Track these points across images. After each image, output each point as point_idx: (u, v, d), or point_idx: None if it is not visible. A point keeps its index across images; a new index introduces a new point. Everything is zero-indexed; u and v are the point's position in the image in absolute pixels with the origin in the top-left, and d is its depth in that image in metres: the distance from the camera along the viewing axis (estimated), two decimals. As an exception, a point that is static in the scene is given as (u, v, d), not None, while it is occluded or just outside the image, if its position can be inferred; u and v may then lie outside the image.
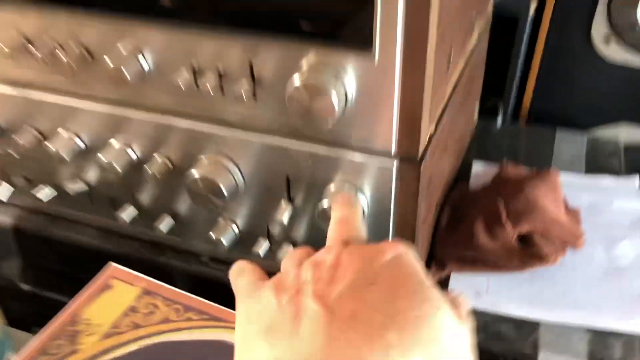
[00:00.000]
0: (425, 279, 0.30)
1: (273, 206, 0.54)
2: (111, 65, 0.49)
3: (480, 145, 0.80)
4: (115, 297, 0.45)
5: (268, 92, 0.48)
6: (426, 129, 0.46)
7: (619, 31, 0.76)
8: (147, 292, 0.46)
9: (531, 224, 0.59)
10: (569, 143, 0.80)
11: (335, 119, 0.44)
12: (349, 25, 0.42)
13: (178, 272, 0.63)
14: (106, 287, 0.47)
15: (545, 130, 0.83)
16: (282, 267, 0.34)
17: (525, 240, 0.60)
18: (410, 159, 0.47)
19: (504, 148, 0.80)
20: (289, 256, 0.35)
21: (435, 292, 0.29)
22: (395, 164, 0.47)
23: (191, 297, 0.45)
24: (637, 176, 0.72)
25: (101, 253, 0.66)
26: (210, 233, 0.56)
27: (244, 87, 0.47)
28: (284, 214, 0.52)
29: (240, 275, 0.35)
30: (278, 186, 0.53)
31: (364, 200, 0.50)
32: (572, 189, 0.68)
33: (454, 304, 0.31)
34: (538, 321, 0.55)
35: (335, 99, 0.43)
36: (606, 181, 0.72)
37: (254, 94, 0.48)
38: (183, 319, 0.42)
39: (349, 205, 0.38)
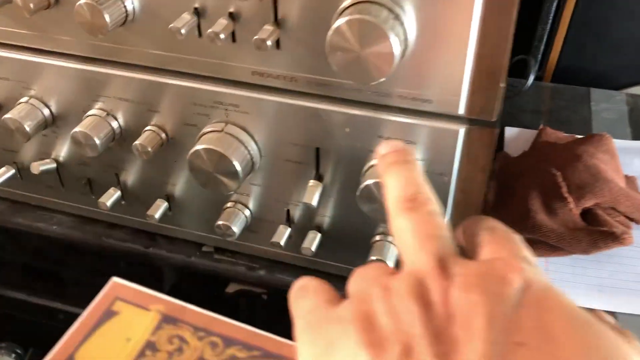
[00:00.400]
0: (581, 311, 0.21)
1: (297, 185, 0.43)
2: (84, 8, 0.37)
3: (507, 107, 0.70)
4: (123, 328, 0.32)
5: (296, 37, 0.37)
6: (501, 85, 0.36)
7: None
8: (168, 319, 0.33)
9: (597, 197, 0.50)
10: (607, 103, 0.71)
11: (393, 69, 0.33)
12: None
13: (175, 267, 0.52)
14: (109, 314, 0.33)
15: (578, 89, 0.74)
16: (355, 289, 0.24)
17: (585, 217, 0.51)
18: (482, 122, 0.36)
19: (535, 110, 0.71)
20: (361, 276, 0.25)
21: (610, 334, 0.21)
22: (463, 128, 0.37)
23: (230, 324, 0.33)
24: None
25: (77, 246, 0.54)
26: (219, 221, 0.45)
27: (266, 33, 0.36)
28: (314, 195, 0.42)
29: (303, 295, 0.25)
30: (304, 160, 0.42)
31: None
32: (622, 155, 0.59)
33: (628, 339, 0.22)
34: (613, 312, 0.47)
35: (394, 40, 0.32)
36: (659, 145, 0.64)
37: (278, 41, 0.37)
38: (225, 357, 0.31)
39: (409, 170, 0.27)
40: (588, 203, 0.50)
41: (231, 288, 0.53)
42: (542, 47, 0.74)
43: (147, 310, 0.33)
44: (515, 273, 0.22)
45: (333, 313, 0.23)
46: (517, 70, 0.75)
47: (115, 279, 0.34)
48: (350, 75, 0.34)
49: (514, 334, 0.20)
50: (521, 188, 0.52)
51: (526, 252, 0.24)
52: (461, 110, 0.36)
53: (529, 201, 0.50)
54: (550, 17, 0.73)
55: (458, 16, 0.33)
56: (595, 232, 0.48)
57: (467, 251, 0.26)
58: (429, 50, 0.35)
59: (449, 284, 0.22)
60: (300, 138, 0.41)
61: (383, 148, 0.29)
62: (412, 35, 0.34)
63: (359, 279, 0.25)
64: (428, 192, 0.26)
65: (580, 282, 0.49)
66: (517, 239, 0.25)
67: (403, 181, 0.26)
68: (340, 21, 0.32)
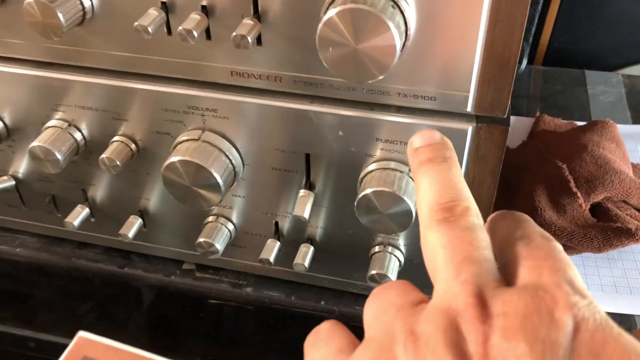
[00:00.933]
0: None
1: (285, 195, 0.39)
2: (34, 6, 0.32)
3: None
4: None
5: (280, 32, 0.32)
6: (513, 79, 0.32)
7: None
8: None
9: (608, 190, 0.46)
10: (604, 86, 0.68)
11: (393, 64, 0.29)
12: None
13: (150, 286, 0.47)
14: None
15: (572, 72, 0.70)
16: (374, 326, 0.20)
17: (594, 212, 0.48)
18: (492, 119, 0.32)
19: (529, 96, 0.67)
20: (380, 304, 0.21)
21: None
22: (471, 126, 0.33)
23: None
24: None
25: (45, 269, 0.50)
26: (200, 238, 0.41)
27: (245, 28, 0.31)
28: (305, 207, 0.37)
29: (314, 344, 0.21)
30: (293, 168, 0.38)
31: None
32: (625, 141, 0.56)
33: None
34: (632, 315, 0.43)
35: (395, 31, 0.28)
36: (661, 129, 0.60)
37: (259, 38, 0.33)
38: None
39: (446, 170, 0.23)
40: (598, 197, 0.46)
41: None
42: (534, 29, 0.71)
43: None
44: (564, 310, 0.18)
45: None
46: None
47: (82, 334, 0.30)
48: (345, 72, 0.30)
49: None
50: (525, 183, 0.49)
51: (572, 272, 0.20)
52: (469, 107, 0.32)
53: (534, 198, 0.47)
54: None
55: (467, 4, 0.29)
56: (608, 229, 0.45)
57: (500, 265, 0.21)
58: (433, 41, 0.30)
59: (489, 330, 0.18)
60: (287, 144, 0.37)
61: (417, 140, 0.24)
62: (413, 25, 0.30)
63: (377, 308, 0.21)
64: (469, 199, 0.22)
65: (594, 284, 0.45)
66: (559, 252, 0.21)
67: (439, 185, 0.22)
68: (332, 12, 0.28)
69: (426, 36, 0.30)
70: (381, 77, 0.29)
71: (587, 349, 0.18)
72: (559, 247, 0.21)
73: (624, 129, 0.59)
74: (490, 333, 0.18)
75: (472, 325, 0.18)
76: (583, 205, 0.46)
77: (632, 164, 0.53)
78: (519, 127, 0.61)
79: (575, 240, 0.45)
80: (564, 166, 0.48)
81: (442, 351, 0.18)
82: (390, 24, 0.28)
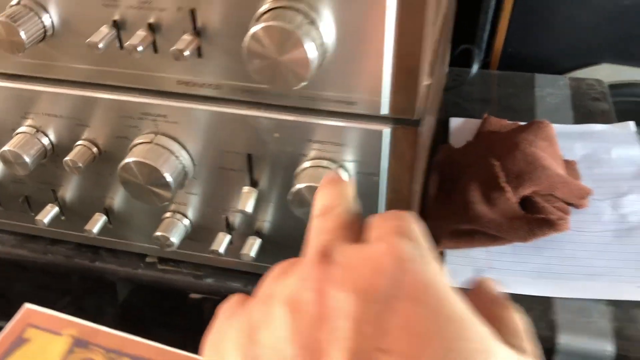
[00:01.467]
0: (455, 301, 0.19)
1: (233, 192, 0.43)
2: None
3: (454, 97, 0.71)
4: (34, 355, 0.32)
5: (218, 45, 0.37)
6: (423, 83, 0.36)
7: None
8: (80, 343, 0.33)
9: (535, 184, 0.51)
10: (551, 88, 0.72)
11: (310, 74, 0.33)
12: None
13: (120, 279, 0.51)
14: (20, 341, 0.33)
15: (523, 75, 0.75)
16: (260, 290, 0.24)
17: (524, 205, 0.52)
18: (406, 120, 0.37)
19: (480, 99, 0.72)
20: (273, 273, 0.24)
21: (478, 329, 0.19)
22: (388, 128, 0.37)
23: (142, 343, 0.33)
24: (630, 121, 0.65)
25: (22, 264, 0.54)
26: (157, 232, 0.45)
27: (183, 43, 0.36)
28: (248, 202, 0.42)
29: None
30: (238, 167, 0.42)
31: (346, 177, 0.40)
32: (563, 140, 0.60)
33: (509, 330, 0.22)
34: (551, 298, 0.48)
35: (309, 45, 0.32)
36: (599, 128, 0.65)
37: (199, 50, 0.37)
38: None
39: (334, 188, 0.26)
40: (526, 191, 0.51)
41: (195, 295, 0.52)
42: (486, 36, 0.75)
43: (59, 335, 0.33)
44: (390, 257, 0.20)
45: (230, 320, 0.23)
46: (464, 59, 0.76)
47: (28, 305, 0.34)
48: (268, 81, 0.34)
49: (380, 338, 0.18)
50: (463, 180, 0.53)
51: (414, 228, 0.22)
52: (384, 110, 0.36)
53: (469, 192, 0.51)
54: (492, 6, 0.74)
55: (373, 17, 0.33)
56: (532, 220, 0.49)
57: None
58: (349, 53, 0.35)
59: (326, 278, 0.20)
60: (231, 145, 0.41)
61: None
62: (330, 39, 0.34)
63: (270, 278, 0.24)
64: (345, 201, 0.25)
65: (521, 270, 0.49)
66: (407, 215, 0.23)
67: (324, 196, 0.26)
68: (256, 27, 0.32)
69: (344, 48, 0.35)
70: (304, 84, 0.34)
71: (406, 295, 0.19)
72: (411, 214, 0.23)
73: (563, 129, 0.63)
74: (326, 282, 0.20)
75: (310, 277, 0.20)
76: (512, 198, 0.50)
77: (566, 161, 0.57)
78: (468, 128, 0.65)
79: (504, 230, 0.49)
80: (497, 163, 0.52)
81: (280, 307, 0.20)
82: (305, 39, 0.32)
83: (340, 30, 0.34)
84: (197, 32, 0.36)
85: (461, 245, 0.51)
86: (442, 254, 0.51)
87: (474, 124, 0.66)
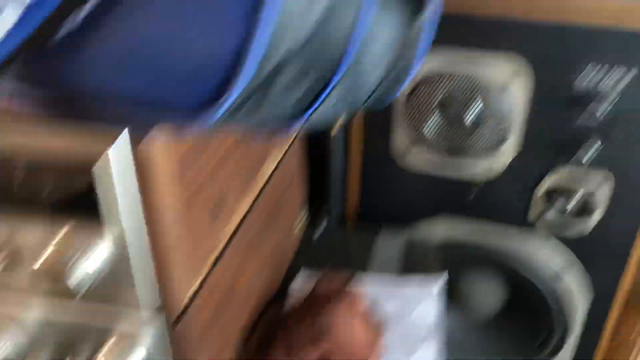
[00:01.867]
0: None
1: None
2: None
3: (306, 253, 0.84)
4: None
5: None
6: (185, 287, 0.48)
7: (419, 138, 0.83)
8: None
9: (327, 346, 0.62)
10: (388, 242, 0.85)
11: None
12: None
13: None
14: None
15: (369, 232, 0.88)
16: None
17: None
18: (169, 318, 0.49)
19: (329, 254, 0.84)
20: None
21: None
22: (156, 324, 0.49)
23: None
24: (442, 277, 0.77)
25: None
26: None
27: None
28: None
29: None
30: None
31: None
32: (380, 297, 0.72)
33: None
34: None
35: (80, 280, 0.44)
36: (410, 287, 0.76)
37: None
38: None
39: None
40: (320, 351, 0.62)
41: None
42: (336, 197, 0.89)
43: None
44: None
45: None
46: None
47: None
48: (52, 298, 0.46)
49: None
50: (278, 338, 0.64)
51: None
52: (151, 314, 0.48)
53: (276, 352, 0.62)
54: (337, 179, 0.88)
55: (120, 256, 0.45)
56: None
57: None
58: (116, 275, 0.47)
59: None
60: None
61: None
62: (96, 270, 0.46)
63: None
64: None
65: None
66: None
67: None
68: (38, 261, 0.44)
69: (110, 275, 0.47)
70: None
71: None
72: None
73: (381, 287, 0.75)
74: None
75: None
76: (309, 357, 0.61)
77: (376, 323, 0.69)
78: (311, 283, 0.77)
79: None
80: (303, 326, 0.64)
81: None
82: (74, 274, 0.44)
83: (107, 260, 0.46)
84: None
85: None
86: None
87: (315, 279, 0.77)
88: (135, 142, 0.40)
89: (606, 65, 0.69)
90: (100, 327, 0.51)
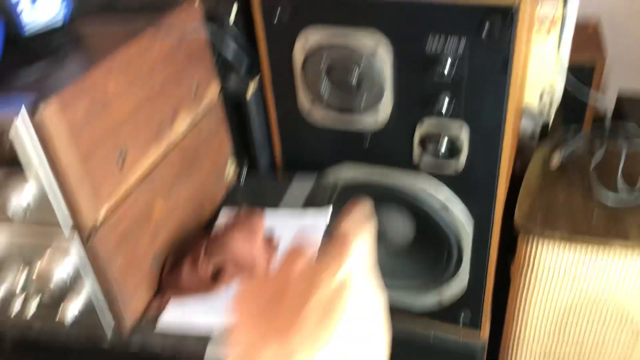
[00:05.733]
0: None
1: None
2: None
3: (231, 196, 1.04)
4: None
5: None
6: (93, 213, 0.69)
7: (315, 99, 1.01)
8: None
9: (223, 257, 0.82)
10: (299, 185, 1.04)
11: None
12: None
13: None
14: None
15: (285, 177, 1.07)
16: None
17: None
18: (82, 235, 0.69)
19: (249, 197, 1.04)
20: None
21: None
22: (75, 239, 0.70)
23: None
24: (329, 209, 0.96)
25: None
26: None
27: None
28: (20, 279, 0.74)
29: None
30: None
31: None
32: (277, 225, 0.92)
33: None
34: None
35: (13, 208, 0.65)
36: (304, 218, 0.95)
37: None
38: None
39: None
40: (217, 261, 0.82)
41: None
42: (264, 150, 1.09)
43: None
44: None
45: None
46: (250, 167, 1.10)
47: None
48: None
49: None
50: (186, 256, 0.85)
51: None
52: (67, 234, 0.69)
53: (182, 266, 0.83)
54: (256, 133, 1.07)
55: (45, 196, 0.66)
56: (209, 283, 0.81)
57: None
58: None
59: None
60: None
61: None
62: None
63: None
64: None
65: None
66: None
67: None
68: None
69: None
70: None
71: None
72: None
73: (283, 216, 0.95)
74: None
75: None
76: (204, 267, 0.82)
77: (273, 240, 0.89)
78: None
79: (191, 291, 0.81)
80: (204, 244, 0.84)
81: None
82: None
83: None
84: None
85: (178, 296, 0.83)
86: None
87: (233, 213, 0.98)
88: (31, 113, 0.60)
89: (444, 35, 0.86)
90: (40, 243, 0.72)
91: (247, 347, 0.42)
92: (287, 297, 0.44)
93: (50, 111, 0.61)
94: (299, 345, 0.40)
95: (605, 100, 1.69)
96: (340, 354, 0.40)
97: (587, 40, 1.52)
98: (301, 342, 0.40)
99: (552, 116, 1.34)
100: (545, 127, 1.34)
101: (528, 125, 1.33)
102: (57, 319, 0.74)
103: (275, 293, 0.45)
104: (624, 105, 1.49)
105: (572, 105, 1.44)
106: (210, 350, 0.76)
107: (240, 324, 0.44)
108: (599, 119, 1.39)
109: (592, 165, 1.14)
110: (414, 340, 1.25)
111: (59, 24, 0.77)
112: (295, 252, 0.48)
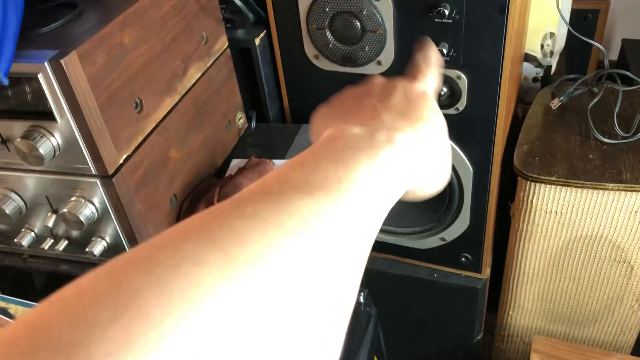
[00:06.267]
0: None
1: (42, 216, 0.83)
2: None
3: (245, 144, 1.09)
4: None
5: (14, 148, 0.76)
6: (114, 157, 0.75)
7: (320, 49, 1.05)
8: None
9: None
10: (307, 135, 1.09)
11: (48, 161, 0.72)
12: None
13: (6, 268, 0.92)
14: None
15: (292, 127, 1.12)
16: None
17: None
18: (105, 176, 0.76)
19: (258, 144, 1.10)
20: None
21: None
22: (98, 181, 0.76)
23: None
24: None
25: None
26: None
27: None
28: (50, 221, 0.81)
29: None
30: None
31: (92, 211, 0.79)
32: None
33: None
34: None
35: (44, 152, 0.71)
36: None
37: (7, 150, 0.77)
38: None
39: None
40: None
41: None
42: (273, 101, 1.14)
43: None
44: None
45: None
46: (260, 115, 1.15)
47: None
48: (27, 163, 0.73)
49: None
50: (201, 199, 0.91)
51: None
52: (94, 171, 0.75)
53: (197, 207, 0.89)
54: (264, 84, 1.12)
55: (72, 137, 0.72)
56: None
57: None
58: (71, 148, 0.74)
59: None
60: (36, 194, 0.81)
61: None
62: (58, 144, 0.73)
63: None
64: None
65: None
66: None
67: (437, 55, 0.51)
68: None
69: (68, 147, 0.74)
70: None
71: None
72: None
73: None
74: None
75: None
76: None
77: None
78: (238, 165, 1.04)
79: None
80: (217, 188, 0.90)
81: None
82: (42, 149, 0.71)
83: (62, 143, 0.73)
84: None
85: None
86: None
87: (244, 162, 1.04)
88: (54, 67, 0.65)
89: (442, -17, 0.89)
90: (66, 186, 0.78)
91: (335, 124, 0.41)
92: (369, 98, 0.44)
93: (71, 64, 0.66)
94: (384, 123, 0.39)
95: (609, 47, 1.70)
96: (420, 142, 0.40)
97: (592, -14, 1.52)
98: (385, 121, 0.40)
99: (556, 62, 1.37)
100: (548, 72, 1.37)
101: (531, 71, 1.36)
102: (85, 253, 0.81)
103: (356, 98, 0.45)
104: (627, 54, 1.51)
105: (576, 52, 1.47)
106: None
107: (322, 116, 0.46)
108: (601, 65, 1.41)
109: (589, 107, 1.18)
110: (419, 278, 1.32)
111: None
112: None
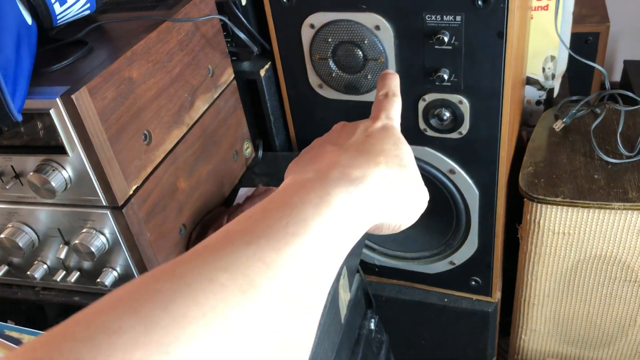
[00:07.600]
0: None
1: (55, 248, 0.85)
2: None
3: (252, 172, 1.11)
4: None
5: (27, 182, 0.78)
6: (124, 188, 0.77)
7: (324, 79, 1.08)
8: None
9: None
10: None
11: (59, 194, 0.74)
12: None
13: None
14: None
15: (295, 154, 1.14)
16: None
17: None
18: (115, 208, 0.77)
19: (264, 173, 1.11)
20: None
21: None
22: (108, 212, 0.78)
23: None
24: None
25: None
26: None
27: None
28: (62, 253, 0.83)
29: None
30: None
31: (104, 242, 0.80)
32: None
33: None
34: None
35: (56, 185, 0.73)
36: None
37: (20, 184, 0.79)
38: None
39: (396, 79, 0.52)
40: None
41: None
42: (278, 130, 1.16)
43: None
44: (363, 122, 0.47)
45: None
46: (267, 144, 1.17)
47: None
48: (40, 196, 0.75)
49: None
50: (209, 229, 0.93)
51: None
52: (104, 203, 0.77)
53: (206, 235, 0.91)
54: (270, 114, 1.14)
55: (82, 171, 0.74)
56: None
57: None
58: (83, 181, 0.76)
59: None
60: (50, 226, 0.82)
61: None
62: (69, 179, 0.75)
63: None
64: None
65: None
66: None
67: (396, 81, 0.53)
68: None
69: (79, 183, 0.75)
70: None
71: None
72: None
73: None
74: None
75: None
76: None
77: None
78: (245, 194, 1.05)
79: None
80: (225, 217, 0.92)
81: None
82: (54, 183, 0.73)
83: (73, 175, 0.75)
84: (20, 176, 0.78)
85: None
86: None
87: (251, 191, 1.05)
88: (65, 103, 0.68)
89: (440, 14, 0.92)
90: (77, 218, 0.80)
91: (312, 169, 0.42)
92: (330, 143, 0.45)
93: (81, 99, 0.69)
94: (340, 163, 0.40)
95: (611, 69, 1.72)
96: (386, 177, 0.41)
97: (592, 9, 1.55)
98: (341, 160, 0.41)
99: (558, 84, 1.38)
100: (551, 95, 1.38)
101: (533, 94, 1.38)
102: (97, 284, 0.83)
103: (320, 145, 0.47)
104: (629, 74, 1.52)
105: (579, 74, 1.49)
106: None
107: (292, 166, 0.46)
108: (604, 87, 1.42)
109: (592, 127, 1.18)
110: (429, 303, 1.32)
111: (86, 15, 0.85)
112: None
